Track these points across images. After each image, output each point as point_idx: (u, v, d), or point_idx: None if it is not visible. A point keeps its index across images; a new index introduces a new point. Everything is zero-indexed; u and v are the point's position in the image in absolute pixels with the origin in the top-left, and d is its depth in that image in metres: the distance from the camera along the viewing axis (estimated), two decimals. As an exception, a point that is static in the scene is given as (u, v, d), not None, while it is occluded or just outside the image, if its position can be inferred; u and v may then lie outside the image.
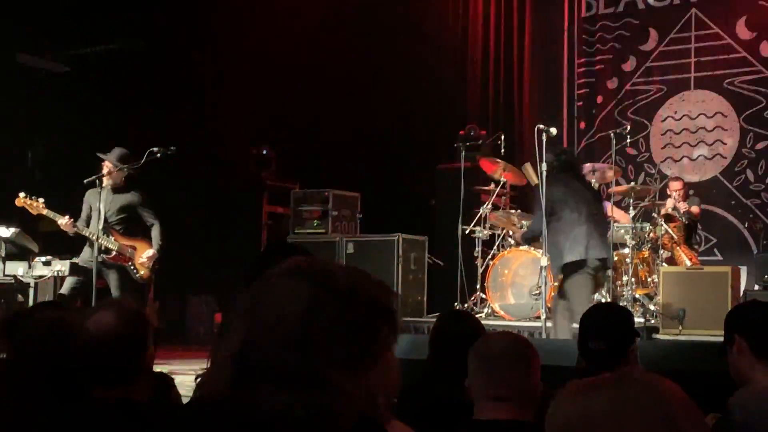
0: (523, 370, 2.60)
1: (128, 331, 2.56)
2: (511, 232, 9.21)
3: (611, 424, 1.28)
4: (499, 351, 2.62)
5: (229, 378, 1.39)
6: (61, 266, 7.68)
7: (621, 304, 8.08)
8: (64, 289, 7.70)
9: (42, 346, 2.72)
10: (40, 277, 8.35)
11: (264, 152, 11.63)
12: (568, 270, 6.90)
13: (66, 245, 8.18)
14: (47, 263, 7.95)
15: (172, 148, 7.89)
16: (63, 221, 7.52)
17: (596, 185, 8.55)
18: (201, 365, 3.48)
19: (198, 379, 3.65)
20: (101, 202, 7.75)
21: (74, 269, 7.78)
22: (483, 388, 2.58)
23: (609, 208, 8.69)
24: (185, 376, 6.82)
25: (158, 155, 7.83)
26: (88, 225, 7.67)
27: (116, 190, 7.85)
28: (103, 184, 7.82)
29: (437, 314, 4.80)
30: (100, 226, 7.71)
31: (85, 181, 7.59)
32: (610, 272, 7.70)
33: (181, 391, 5.35)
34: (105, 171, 7.72)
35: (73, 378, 2.64)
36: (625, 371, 1.41)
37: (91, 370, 2.55)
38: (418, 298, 9.57)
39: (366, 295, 1.43)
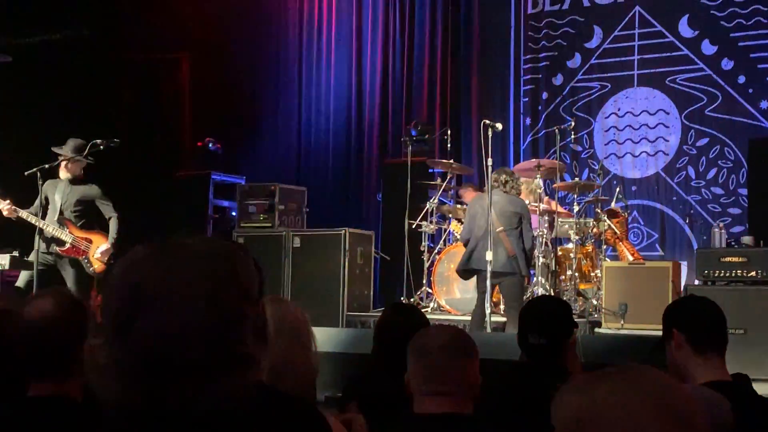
0: (461, 364, 2.55)
1: (67, 317, 2.52)
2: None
3: (619, 413, 1.27)
4: (438, 345, 2.56)
5: (139, 376, 1.28)
6: (0, 260, 7.56)
7: (564, 298, 8.20)
8: (20, 282, 7.61)
9: None
10: (-22, 270, 8.19)
11: (210, 145, 11.53)
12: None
13: (6, 240, 8.03)
14: (-16, 257, 7.80)
15: (115, 140, 7.81)
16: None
17: (539, 183, 8.81)
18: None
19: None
20: (58, 193, 7.64)
21: (24, 263, 7.67)
22: (421, 383, 2.53)
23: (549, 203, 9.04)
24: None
25: (101, 147, 7.74)
26: (42, 216, 7.56)
27: (74, 182, 7.75)
28: (61, 177, 7.72)
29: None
30: (55, 217, 7.60)
31: (26, 173, 7.47)
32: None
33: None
34: (63, 164, 7.64)
35: (5, 374, 2.59)
36: (629, 364, 1.39)
37: (26, 358, 2.50)
38: (364, 292, 9.57)
39: (243, 263, 1.38)
